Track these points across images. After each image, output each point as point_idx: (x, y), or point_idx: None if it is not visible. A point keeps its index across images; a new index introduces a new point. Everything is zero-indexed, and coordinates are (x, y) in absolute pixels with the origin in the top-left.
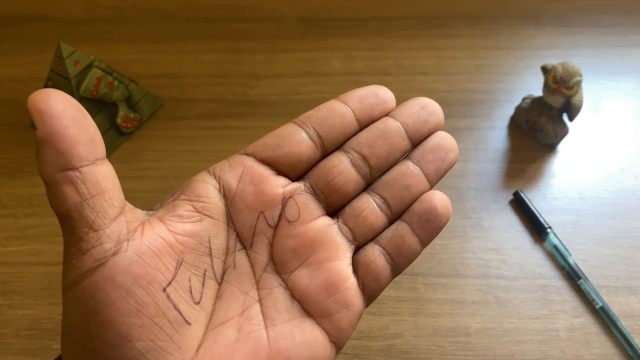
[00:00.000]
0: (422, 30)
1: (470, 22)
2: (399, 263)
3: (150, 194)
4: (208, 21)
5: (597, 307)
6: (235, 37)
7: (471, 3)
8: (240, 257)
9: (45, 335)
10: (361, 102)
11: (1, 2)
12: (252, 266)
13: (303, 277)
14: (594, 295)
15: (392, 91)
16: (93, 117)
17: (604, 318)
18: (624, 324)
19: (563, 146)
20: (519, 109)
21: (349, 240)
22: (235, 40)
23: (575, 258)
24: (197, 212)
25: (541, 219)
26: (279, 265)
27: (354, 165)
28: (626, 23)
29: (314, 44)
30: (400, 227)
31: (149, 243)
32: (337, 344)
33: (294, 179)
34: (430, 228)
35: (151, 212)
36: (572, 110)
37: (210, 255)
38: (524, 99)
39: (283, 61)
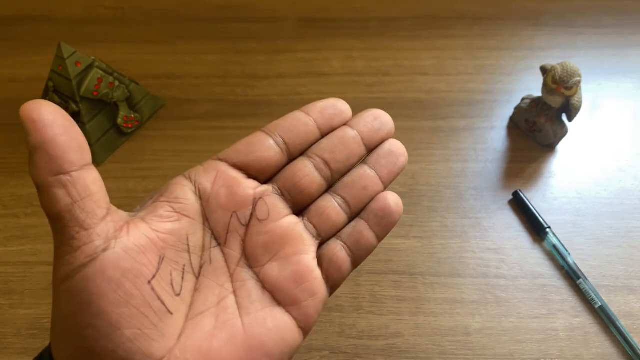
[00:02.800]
0: (421, 30)
1: (470, 22)
2: (358, 255)
3: (150, 194)
4: (208, 22)
5: (596, 306)
6: (236, 37)
7: (471, 4)
8: (216, 253)
9: (46, 334)
10: (322, 112)
11: (2, 2)
12: (226, 261)
13: (273, 269)
14: (593, 295)
15: (392, 91)
16: (94, 117)
17: (603, 317)
18: (623, 323)
19: (562, 146)
20: (518, 109)
21: (313, 236)
22: (235, 40)
23: (575, 258)
24: (176, 212)
25: (540, 219)
26: (250, 260)
27: (317, 169)
28: (625, 24)
29: (314, 44)
30: (359, 224)
31: (135, 240)
32: (304, 329)
33: (263, 181)
34: (385, 224)
35: (133, 213)
36: (571, 110)
37: (189, 251)
38: (523, 99)
39: (283, 61)
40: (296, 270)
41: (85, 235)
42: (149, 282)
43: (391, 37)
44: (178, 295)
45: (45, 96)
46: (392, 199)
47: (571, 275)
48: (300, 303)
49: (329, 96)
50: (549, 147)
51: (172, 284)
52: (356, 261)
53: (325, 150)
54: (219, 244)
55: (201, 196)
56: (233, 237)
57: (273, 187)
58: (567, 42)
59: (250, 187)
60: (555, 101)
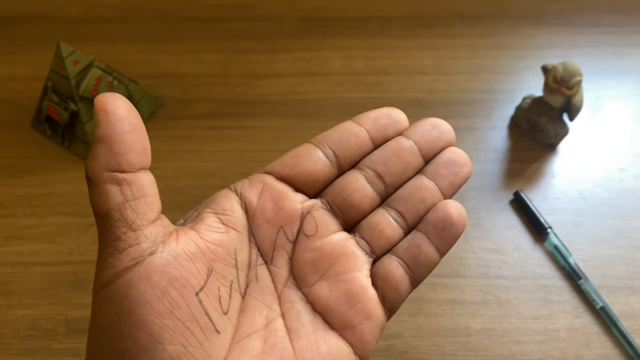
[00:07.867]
0: (421, 29)
1: (470, 21)
2: (418, 273)
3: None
4: (208, 21)
5: (598, 307)
6: (235, 36)
7: (471, 2)
8: (262, 272)
9: (45, 335)
10: (375, 122)
11: (1, 1)
12: (273, 280)
13: (323, 289)
14: (594, 296)
15: (392, 91)
16: (92, 117)
17: (604, 318)
18: (625, 324)
19: (563, 146)
20: (519, 108)
21: (366, 253)
22: (235, 40)
23: (576, 258)
24: (223, 224)
25: (541, 219)
26: (298, 280)
27: (369, 182)
28: (627, 23)
29: (314, 43)
30: (417, 237)
31: (184, 247)
32: (362, 356)
33: (312, 195)
34: (446, 237)
35: (179, 224)
36: (572, 110)
37: (237, 267)
38: (524, 98)
39: (283, 61)
40: (348, 289)
41: (132, 237)
42: (197, 293)
43: (391, 36)
44: (226, 313)
45: (44, 96)
46: (454, 208)
47: (572, 276)
48: (355, 327)
49: (328, 96)
50: (550, 147)
51: (220, 300)
52: (415, 279)
53: (379, 162)
54: (265, 262)
55: (247, 210)
56: (280, 255)
57: (322, 202)
58: (567, 41)
59: (297, 201)
60: (557, 101)
